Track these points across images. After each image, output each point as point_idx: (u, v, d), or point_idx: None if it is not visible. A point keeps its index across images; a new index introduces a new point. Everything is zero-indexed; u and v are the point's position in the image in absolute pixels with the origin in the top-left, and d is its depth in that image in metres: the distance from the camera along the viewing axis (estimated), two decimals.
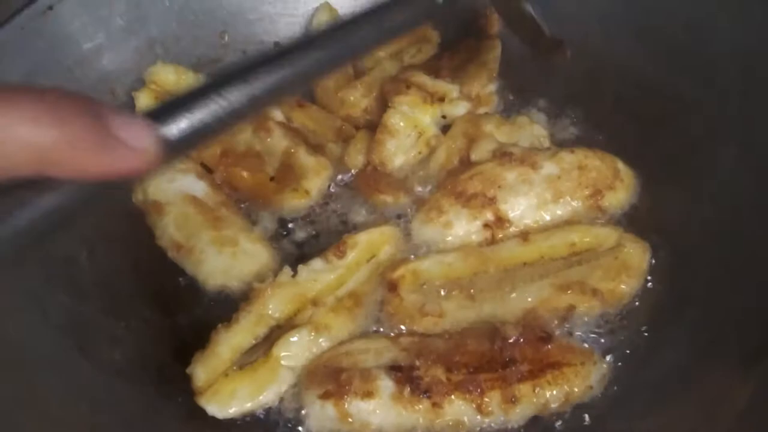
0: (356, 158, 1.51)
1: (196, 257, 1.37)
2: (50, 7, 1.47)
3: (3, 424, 1.06)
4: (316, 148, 1.54)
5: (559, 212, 1.39)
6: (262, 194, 1.50)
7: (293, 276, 1.31)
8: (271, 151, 1.53)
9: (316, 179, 1.49)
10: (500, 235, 1.38)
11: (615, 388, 1.21)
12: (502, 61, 1.64)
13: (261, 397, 1.21)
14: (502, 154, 1.43)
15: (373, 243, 1.37)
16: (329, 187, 1.52)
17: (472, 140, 1.49)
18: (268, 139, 1.52)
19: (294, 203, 1.48)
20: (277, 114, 1.57)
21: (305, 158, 1.51)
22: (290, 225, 1.48)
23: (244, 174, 1.50)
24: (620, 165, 1.43)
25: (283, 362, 1.21)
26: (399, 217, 1.45)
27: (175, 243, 1.39)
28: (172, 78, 1.59)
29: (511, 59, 1.64)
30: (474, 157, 1.46)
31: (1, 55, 1.40)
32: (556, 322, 1.27)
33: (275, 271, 1.34)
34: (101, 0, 1.55)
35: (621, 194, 1.41)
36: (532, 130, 1.53)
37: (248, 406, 1.20)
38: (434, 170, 1.48)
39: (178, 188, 1.45)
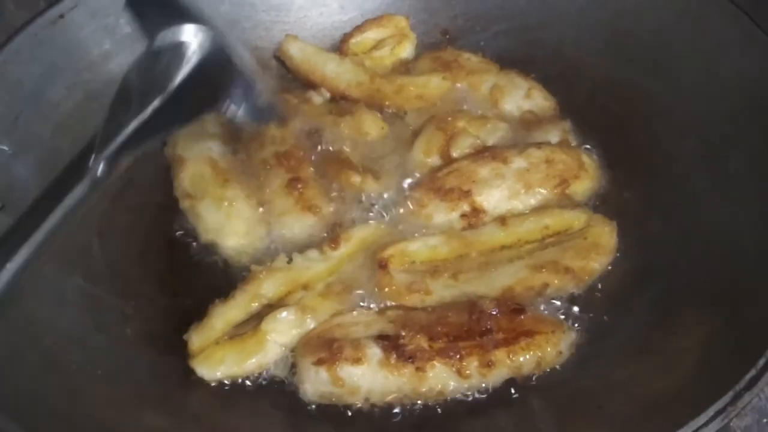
0: None
1: (198, 211, 1.51)
2: (61, 16, 1.57)
3: (28, 392, 1.16)
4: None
5: (530, 201, 1.51)
6: None
7: (288, 262, 1.43)
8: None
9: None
10: (477, 224, 1.50)
11: (582, 352, 1.33)
12: None
13: (246, 365, 1.32)
14: (478, 151, 1.56)
15: (365, 238, 1.48)
16: None
17: (449, 136, 1.61)
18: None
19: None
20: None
21: None
22: None
23: None
24: (584, 158, 1.56)
25: (269, 336, 1.33)
26: (385, 209, 1.56)
27: (186, 194, 1.53)
28: None
29: None
30: (455, 153, 1.58)
31: (16, 60, 1.49)
32: (532, 298, 1.38)
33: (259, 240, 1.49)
34: (109, 9, 1.63)
35: (586, 183, 1.54)
36: (497, 124, 1.65)
37: (234, 371, 1.32)
38: (413, 164, 1.60)
39: (201, 148, 1.59)
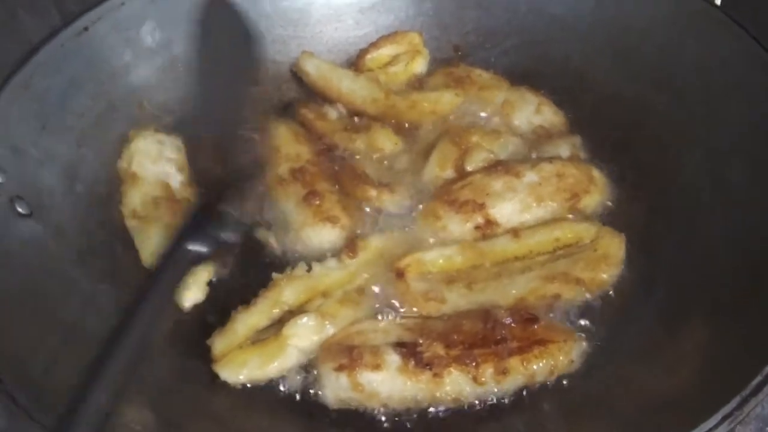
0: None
1: (145, 233, 1.52)
2: (86, 28, 1.63)
3: (61, 392, 1.19)
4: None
5: (540, 214, 1.56)
6: None
7: (307, 270, 1.47)
8: None
9: None
10: (490, 236, 1.54)
11: (593, 358, 1.37)
12: None
13: (268, 369, 1.36)
14: (491, 165, 1.61)
15: (382, 247, 1.53)
16: None
17: (462, 150, 1.66)
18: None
19: None
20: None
21: None
22: None
23: None
24: (595, 172, 1.61)
25: (290, 341, 1.37)
26: (401, 221, 1.60)
27: (135, 213, 1.54)
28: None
29: None
30: (469, 167, 1.63)
31: (43, 71, 1.54)
32: (544, 307, 1.42)
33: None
34: (131, 22, 1.71)
35: (596, 197, 1.58)
36: (509, 139, 1.70)
37: (256, 374, 1.36)
38: (428, 178, 1.65)
39: (158, 170, 1.61)
